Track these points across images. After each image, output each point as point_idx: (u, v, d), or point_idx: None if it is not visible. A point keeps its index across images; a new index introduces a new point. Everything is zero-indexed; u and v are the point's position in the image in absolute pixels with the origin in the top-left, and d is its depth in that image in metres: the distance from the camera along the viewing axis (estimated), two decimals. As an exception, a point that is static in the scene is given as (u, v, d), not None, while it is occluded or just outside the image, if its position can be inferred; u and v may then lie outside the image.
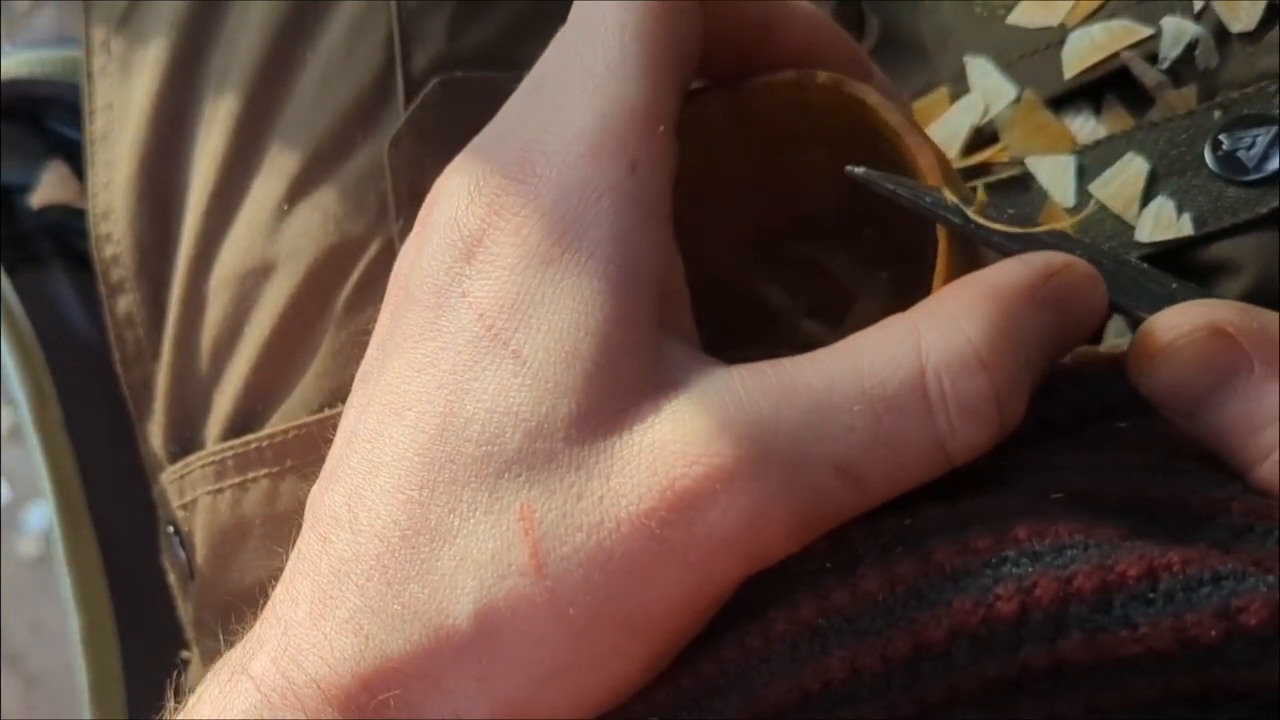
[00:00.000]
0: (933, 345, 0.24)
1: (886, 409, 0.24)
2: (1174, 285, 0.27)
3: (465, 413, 0.25)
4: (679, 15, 0.28)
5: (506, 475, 0.24)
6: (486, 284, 0.26)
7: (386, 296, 0.29)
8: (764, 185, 0.30)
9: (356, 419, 0.27)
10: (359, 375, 0.28)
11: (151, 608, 0.49)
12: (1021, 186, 0.37)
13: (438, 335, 0.26)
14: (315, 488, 0.27)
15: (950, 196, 0.27)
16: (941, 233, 0.27)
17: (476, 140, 0.29)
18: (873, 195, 0.28)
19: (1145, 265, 0.28)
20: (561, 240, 0.25)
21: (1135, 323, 0.26)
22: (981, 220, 0.27)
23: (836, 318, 0.27)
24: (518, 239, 0.25)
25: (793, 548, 0.24)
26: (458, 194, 0.27)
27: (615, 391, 0.24)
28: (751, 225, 0.33)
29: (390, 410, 0.26)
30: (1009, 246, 0.27)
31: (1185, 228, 0.34)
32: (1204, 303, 0.26)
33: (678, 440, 0.24)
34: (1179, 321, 0.25)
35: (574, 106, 0.26)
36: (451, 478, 0.25)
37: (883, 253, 0.32)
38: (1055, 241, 0.27)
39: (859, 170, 0.28)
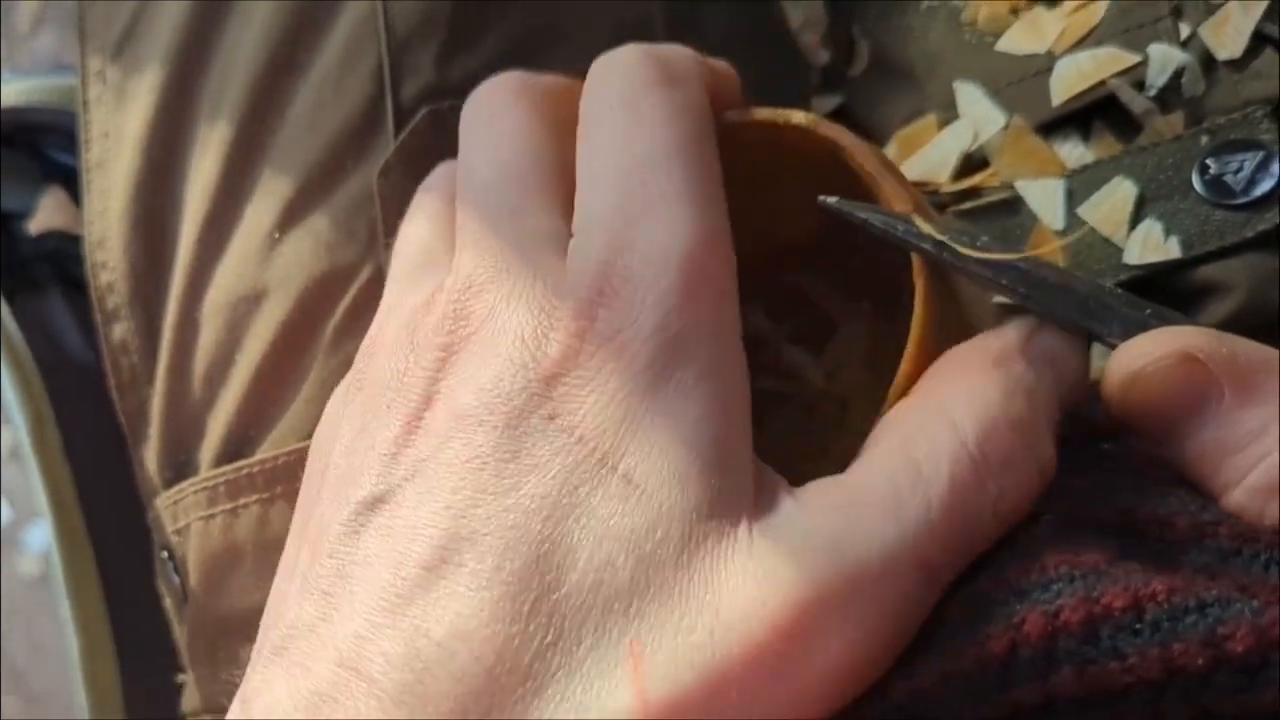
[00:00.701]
0: (962, 418, 0.25)
1: (950, 489, 0.24)
2: (1148, 311, 0.27)
3: (568, 539, 0.23)
4: (714, 142, 0.28)
5: (616, 607, 0.23)
6: (583, 407, 0.25)
7: (375, 408, 0.27)
8: (743, 215, 0.30)
9: (393, 543, 0.24)
10: (364, 499, 0.25)
11: (150, 630, 0.49)
12: (1011, 210, 0.37)
13: (518, 458, 0.24)
14: (312, 611, 0.25)
15: (923, 225, 0.28)
16: (918, 266, 0.27)
17: (490, 244, 0.27)
18: (853, 228, 0.28)
19: (1120, 290, 0.28)
20: (667, 366, 0.25)
21: (1110, 349, 0.27)
22: (954, 247, 0.27)
23: (818, 344, 0.27)
24: (617, 363, 0.25)
25: (894, 656, 0.24)
26: (515, 316, 0.26)
27: (724, 515, 0.24)
28: (739, 247, 0.33)
29: (456, 536, 0.24)
30: (982, 274, 0.27)
31: (1173, 250, 0.34)
32: (1174, 330, 0.26)
33: (779, 569, 0.23)
34: (1149, 348, 0.25)
35: (649, 231, 0.26)
36: (551, 609, 0.23)
37: (865, 282, 0.33)
38: (1029, 268, 0.28)
39: (831, 200, 0.28)
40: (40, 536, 1.34)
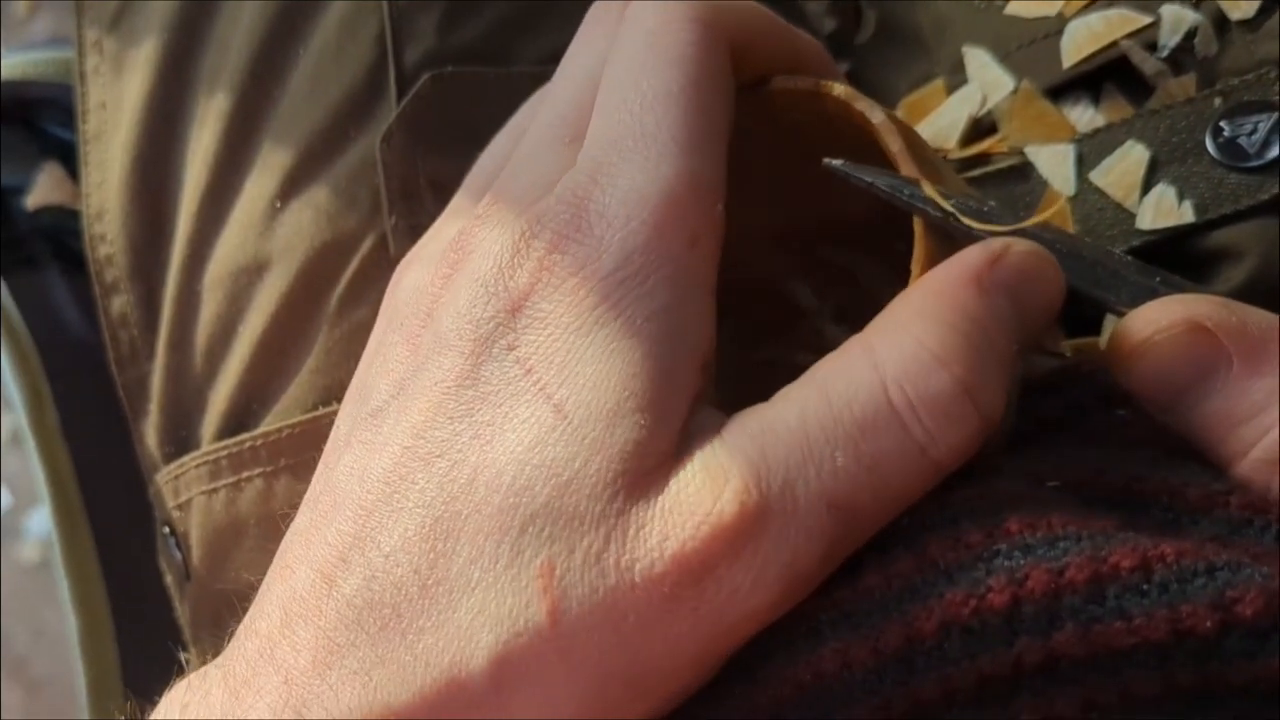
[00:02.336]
0: (886, 356, 0.24)
1: (860, 431, 0.24)
2: (1158, 279, 0.27)
3: (498, 463, 0.25)
4: (729, 86, 0.28)
5: (531, 529, 0.24)
6: (535, 339, 0.25)
7: (392, 327, 0.29)
8: (792, 188, 0.30)
9: (369, 457, 0.26)
10: (368, 411, 0.27)
11: (150, 609, 0.49)
12: (1021, 176, 0.36)
13: (476, 385, 0.26)
14: (305, 519, 0.27)
15: (929, 190, 0.27)
16: (918, 228, 0.27)
17: (506, 183, 0.28)
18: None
19: (1129, 258, 0.27)
20: (618, 305, 0.25)
21: (1118, 317, 0.26)
22: (959, 215, 0.27)
23: (862, 324, 0.27)
24: (574, 299, 0.25)
25: (800, 596, 0.24)
26: (501, 243, 0.27)
27: (646, 455, 0.24)
28: (780, 225, 0.33)
29: (415, 455, 0.25)
30: (986, 237, 0.27)
31: (1186, 215, 0.33)
32: (1183, 298, 0.26)
33: (685, 502, 0.24)
34: (1157, 317, 0.25)
35: (634, 171, 0.26)
36: (476, 528, 0.24)
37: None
38: (1036, 233, 0.27)
39: (835, 162, 0.28)
40: (40, 522, 1.34)
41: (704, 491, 0.24)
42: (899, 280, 0.27)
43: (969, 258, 0.26)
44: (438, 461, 0.25)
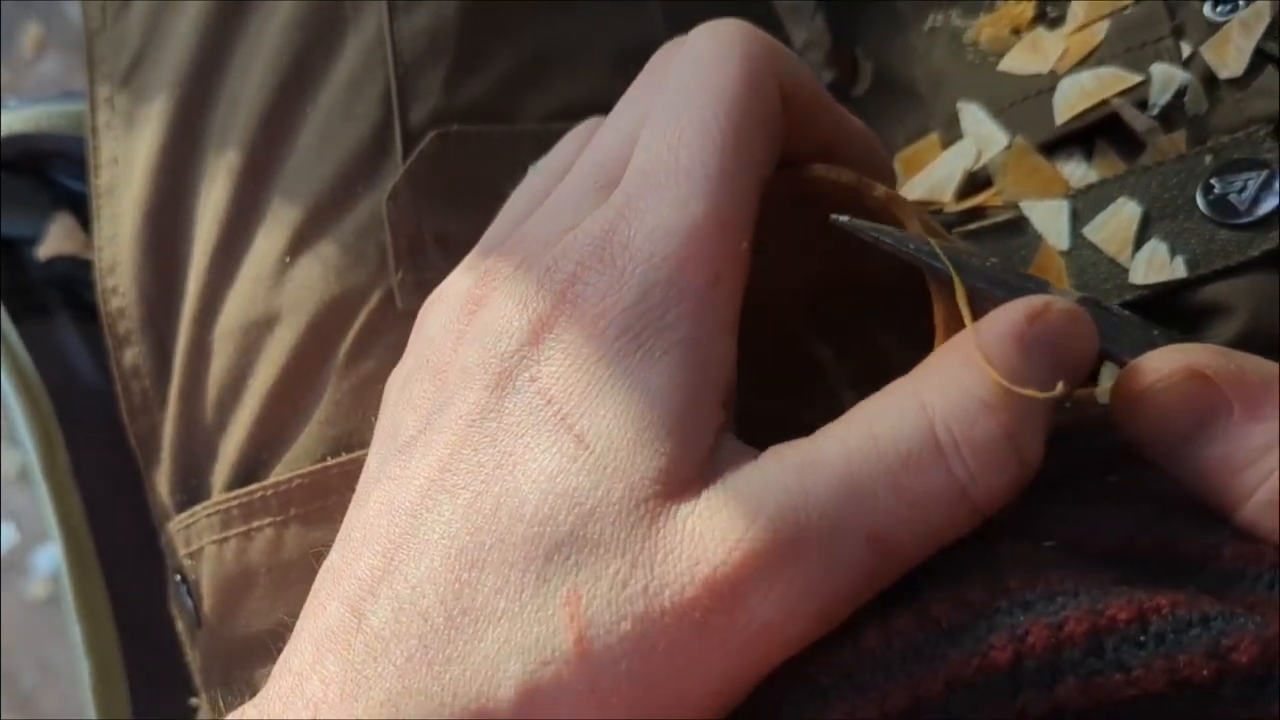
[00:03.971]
0: (934, 399, 0.25)
1: (904, 468, 0.24)
2: (1155, 332, 0.27)
3: (521, 492, 0.25)
4: (767, 132, 0.28)
5: (556, 558, 0.24)
6: (556, 370, 0.26)
7: (419, 363, 0.29)
8: (820, 257, 0.30)
9: (396, 491, 0.26)
10: (398, 447, 0.27)
11: (161, 655, 0.49)
12: (1016, 230, 0.37)
13: (500, 416, 0.26)
14: (337, 556, 0.27)
15: (934, 245, 0.28)
16: (933, 287, 0.28)
17: (534, 224, 0.29)
18: (870, 249, 0.28)
19: (1126, 312, 0.28)
20: (639, 337, 0.26)
21: (1120, 367, 0.26)
22: (962, 266, 0.27)
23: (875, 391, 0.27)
24: (595, 330, 0.26)
25: (831, 625, 0.24)
26: (525, 278, 0.27)
27: (669, 483, 0.25)
28: (807, 287, 0.33)
29: (441, 487, 0.26)
30: (993, 293, 0.27)
31: (1179, 270, 0.34)
32: (1182, 346, 0.26)
33: (716, 529, 0.24)
34: (1158, 365, 0.25)
35: (662, 206, 0.26)
36: (501, 558, 0.25)
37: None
38: (1037, 288, 0.28)
39: (843, 219, 0.28)
40: (48, 559, 1.34)
41: (737, 517, 0.24)
42: (914, 349, 0.27)
43: (1011, 314, 0.26)
44: (462, 493, 0.25)
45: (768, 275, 0.31)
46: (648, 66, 0.31)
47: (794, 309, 0.34)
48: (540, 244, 0.28)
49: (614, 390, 0.25)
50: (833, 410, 0.26)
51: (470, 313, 0.28)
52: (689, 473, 0.25)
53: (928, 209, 0.39)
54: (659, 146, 0.27)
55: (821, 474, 0.24)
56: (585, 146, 0.31)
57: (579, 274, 0.26)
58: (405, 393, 0.29)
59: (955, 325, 0.27)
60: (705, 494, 0.25)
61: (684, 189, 0.27)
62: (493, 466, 0.25)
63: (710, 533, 0.24)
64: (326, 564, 0.28)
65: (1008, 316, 0.26)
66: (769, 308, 0.32)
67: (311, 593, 0.27)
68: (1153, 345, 0.26)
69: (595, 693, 0.24)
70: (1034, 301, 0.26)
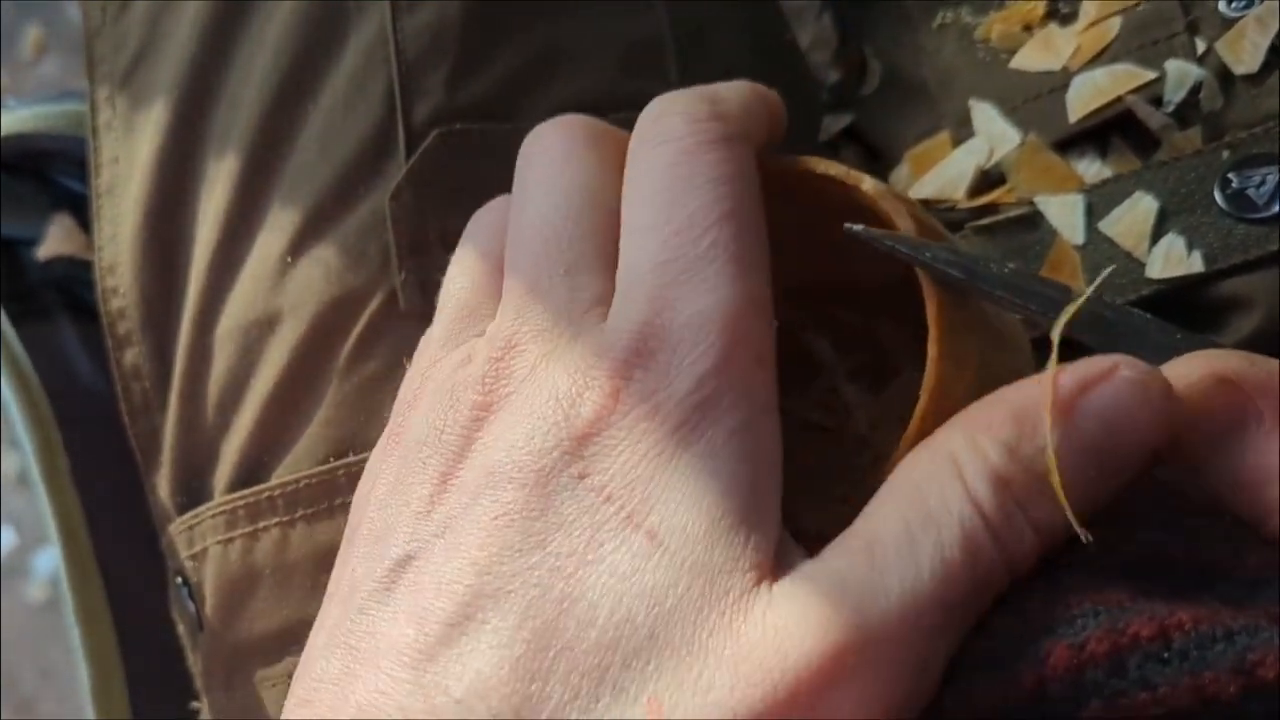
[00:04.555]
0: (976, 479, 0.24)
1: (962, 535, 0.24)
2: (1179, 335, 0.26)
3: (589, 596, 0.24)
4: (758, 191, 0.28)
5: (634, 664, 0.23)
6: (612, 466, 0.25)
7: (412, 467, 0.27)
8: (811, 250, 0.29)
9: (419, 599, 0.25)
10: (399, 556, 0.26)
11: (161, 658, 0.49)
12: (1030, 225, 0.37)
13: (545, 515, 0.25)
14: (339, 665, 0.25)
15: (952, 250, 0.27)
16: (929, 295, 0.27)
17: (522, 313, 0.28)
18: (883, 256, 0.28)
19: (1149, 315, 0.27)
20: (698, 428, 0.25)
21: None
22: (978, 270, 0.27)
23: (878, 386, 0.26)
24: (650, 425, 0.25)
25: (912, 706, 0.24)
26: (551, 377, 0.26)
27: (747, 574, 0.24)
28: (800, 279, 0.33)
29: (480, 593, 0.24)
30: (1009, 298, 0.27)
31: (1195, 265, 0.34)
32: (1207, 353, 0.25)
33: (798, 627, 0.23)
34: (1184, 372, 0.24)
35: (695, 295, 0.26)
36: (570, 666, 0.23)
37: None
38: (1057, 294, 0.27)
39: (857, 227, 0.28)
40: (47, 562, 1.34)
41: (820, 616, 0.23)
42: (918, 343, 0.27)
43: (1065, 380, 0.24)
44: (512, 597, 0.24)
45: None
46: (532, 147, 0.31)
47: (787, 303, 0.34)
48: (548, 341, 0.27)
49: (680, 484, 0.24)
50: (836, 407, 0.26)
51: (477, 419, 0.27)
52: (764, 561, 0.24)
53: (935, 206, 0.39)
54: (667, 235, 0.27)
55: (892, 562, 0.23)
56: (520, 229, 0.29)
57: (621, 370, 0.25)
58: (397, 496, 0.27)
59: (950, 325, 0.27)
60: (780, 589, 0.24)
61: (713, 275, 0.26)
62: (547, 569, 0.24)
63: (793, 631, 0.23)
64: (320, 673, 0.26)
65: (1062, 382, 0.24)
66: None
67: (300, 702, 0.26)
68: (1177, 350, 0.26)
69: None
70: (1091, 368, 0.24)
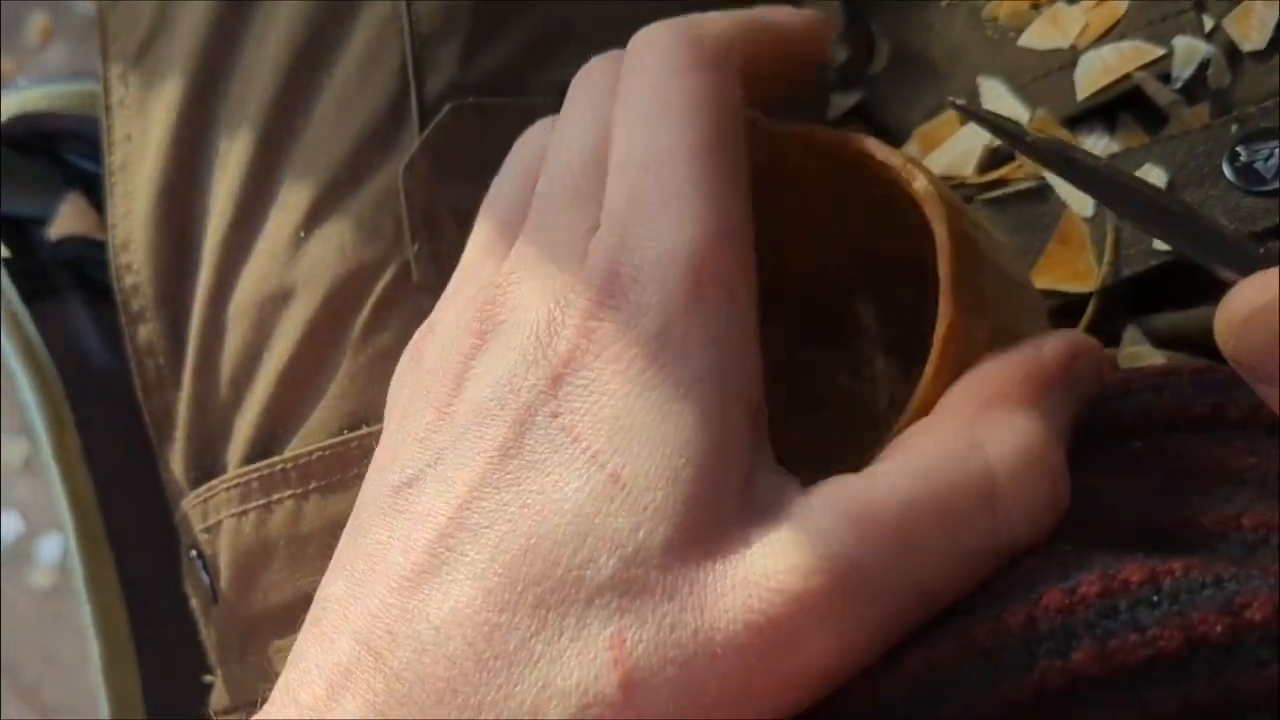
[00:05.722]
0: (996, 453, 0.25)
1: (964, 528, 0.24)
2: (1263, 250, 0.26)
3: (555, 534, 0.24)
4: (740, 127, 0.28)
5: (597, 601, 0.24)
6: (581, 407, 0.25)
7: (418, 396, 0.28)
8: (858, 218, 0.29)
9: (411, 527, 0.25)
10: (402, 481, 0.27)
11: (171, 635, 0.49)
12: (1039, 197, 0.37)
13: (521, 454, 0.25)
14: (340, 587, 0.26)
15: (1050, 137, 0.27)
16: (941, 232, 0.27)
17: (525, 247, 0.28)
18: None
19: (1230, 227, 0.27)
20: (664, 369, 0.25)
21: (1227, 283, 0.25)
22: (1078, 157, 0.27)
23: (909, 365, 0.27)
24: (618, 365, 0.25)
25: (872, 660, 0.24)
26: (535, 311, 0.26)
27: (711, 519, 0.24)
28: (859, 245, 0.33)
29: (462, 526, 0.25)
30: (1109, 193, 0.27)
31: (1204, 238, 0.34)
32: None
33: (770, 575, 0.23)
34: (1270, 284, 0.24)
35: (663, 231, 0.26)
36: (536, 601, 0.24)
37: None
38: (1151, 196, 0.27)
39: (959, 101, 0.28)
40: (52, 549, 1.34)
41: (793, 566, 0.23)
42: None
43: (1052, 351, 0.26)
44: (487, 532, 0.25)
45: (808, 232, 0.31)
46: (580, 76, 0.31)
47: (847, 264, 0.33)
48: (538, 269, 0.27)
49: (645, 426, 0.25)
50: (867, 376, 0.26)
51: (474, 347, 0.27)
52: (732, 508, 0.24)
53: (944, 182, 0.39)
54: (640, 170, 0.27)
55: (879, 525, 0.24)
56: (546, 160, 0.30)
57: (592, 310, 0.26)
58: (405, 423, 0.28)
59: (969, 274, 0.27)
60: (755, 533, 0.24)
61: (680, 210, 0.26)
62: (519, 506, 0.25)
63: (764, 579, 0.23)
64: (327, 593, 0.27)
65: (1054, 351, 0.26)
66: (820, 258, 0.31)
67: (312, 620, 0.26)
68: (1263, 262, 0.25)
69: None
70: (1076, 339, 0.26)
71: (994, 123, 0.27)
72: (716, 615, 0.23)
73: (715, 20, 0.29)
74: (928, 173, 0.27)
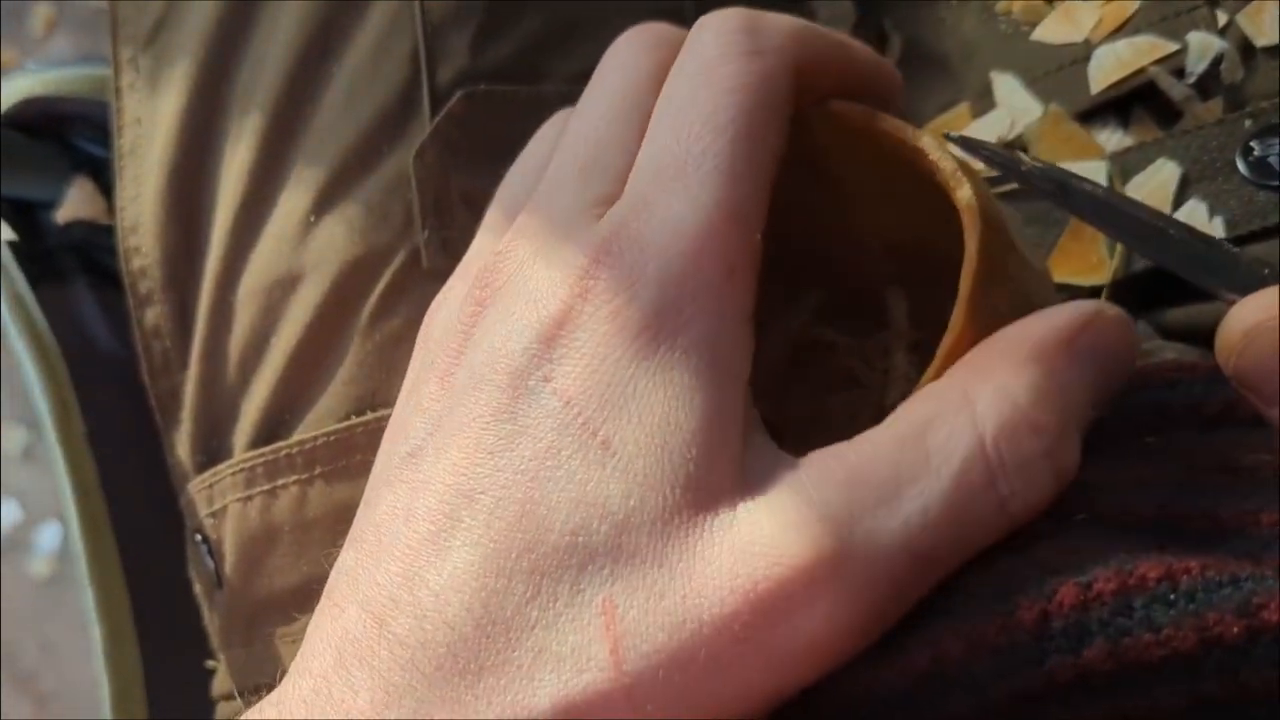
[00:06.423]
0: (986, 413, 0.24)
1: (955, 485, 0.24)
2: (1265, 271, 0.26)
3: (549, 501, 0.24)
4: (781, 121, 0.28)
5: (590, 567, 0.24)
6: (573, 370, 0.25)
7: (425, 365, 0.28)
8: (904, 210, 0.29)
9: (412, 496, 0.26)
10: (407, 450, 0.27)
11: (173, 620, 0.49)
12: (1052, 191, 0.37)
13: (514, 419, 0.25)
14: (350, 558, 0.27)
15: (1048, 166, 0.27)
16: (969, 252, 0.27)
17: (530, 216, 0.28)
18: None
19: (1237, 249, 0.27)
20: (657, 335, 0.25)
21: (1226, 304, 0.25)
22: (1078, 190, 0.26)
23: (926, 367, 0.26)
24: (611, 328, 0.25)
25: (873, 636, 0.24)
26: (533, 276, 0.27)
27: (701, 488, 0.24)
28: (899, 239, 0.33)
29: (459, 493, 0.25)
30: (1103, 217, 0.26)
31: (1218, 230, 0.34)
32: None
33: (758, 542, 0.24)
34: (1270, 302, 0.24)
35: (673, 200, 0.26)
36: (531, 566, 0.24)
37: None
38: (1149, 220, 0.27)
39: (955, 134, 0.28)
40: (50, 538, 1.34)
41: (781, 532, 0.23)
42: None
43: (1061, 319, 0.26)
44: (481, 498, 0.25)
45: (858, 210, 0.30)
46: (617, 43, 0.31)
47: (888, 254, 0.33)
48: (539, 236, 0.28)
49: (636, 393, 0.25)
50: (883, 369, 0.26)
51: (474, 315, 0.28)
52: (722, 479, 0.24)
53: None
54: (667, 142, 0.27)
55: (871, 490, 0.24)
56: (562, 136, 0.30)
57: (591, 270, 0.26)
58: (413, 396, 0.28)
59: (982, 292, 0.27)
60: (744, 503, 0.24)
61: (694, 183, 0.26)
62: (512, 471, 0.25)
63: (752, 545, 0.24)
64: (340, 564, 0.27)
65: (1060, 320, 0.26)
66: (863, 242, 0.31)
67: (326, 593, 0.27)
68: (1263, 283, 0.25)
69: (632, 702, 0.23)
70: (1084, 307, 0.26)
71: (989, 154, 0.27)
72: (704, 582, 0.23)
73: (776, 16, 0.29)
74: (976, 184, 0.27)
